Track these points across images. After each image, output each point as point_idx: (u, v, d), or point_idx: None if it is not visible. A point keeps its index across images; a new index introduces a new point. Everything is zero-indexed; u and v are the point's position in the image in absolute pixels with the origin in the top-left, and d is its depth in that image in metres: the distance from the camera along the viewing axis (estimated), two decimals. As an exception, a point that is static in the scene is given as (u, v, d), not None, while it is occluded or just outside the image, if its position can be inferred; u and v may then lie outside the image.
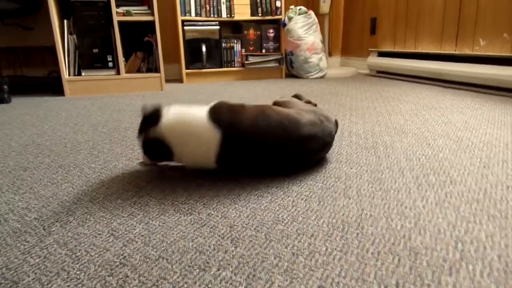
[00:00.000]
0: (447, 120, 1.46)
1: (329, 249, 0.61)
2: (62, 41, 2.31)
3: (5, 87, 2.15)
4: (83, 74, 2.38)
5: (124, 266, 0.58)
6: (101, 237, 0.66)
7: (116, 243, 0.64)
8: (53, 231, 0.69)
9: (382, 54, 3.00)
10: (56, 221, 0.72)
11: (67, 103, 2.07)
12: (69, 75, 2.36)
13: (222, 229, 0.68)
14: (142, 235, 0.67)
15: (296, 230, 0.67)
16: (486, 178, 0.89)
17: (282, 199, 0.80)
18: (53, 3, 2.20)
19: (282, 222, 0.70)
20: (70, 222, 0.72)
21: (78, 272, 0.56)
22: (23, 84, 2.69)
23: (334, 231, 0.67)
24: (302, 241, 0.64)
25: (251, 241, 0.64)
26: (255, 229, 0.68)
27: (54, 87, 2.44)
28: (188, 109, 0.89)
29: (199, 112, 0.88)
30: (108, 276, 0.55)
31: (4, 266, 0.58)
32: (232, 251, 0.61)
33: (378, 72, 3.04)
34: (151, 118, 0.89)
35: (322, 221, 0.70)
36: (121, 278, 0.55)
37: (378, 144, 1.17)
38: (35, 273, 0.56)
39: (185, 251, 0.62)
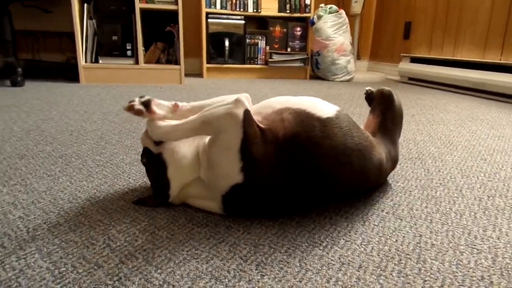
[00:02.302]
0: (499, 134, 1.29)
1: (386, 290, 0.46)
2: (81, 26, 2.22)
3: (19, 69, 2.07)
4: (100, 61, 2.28)
5: (118, 291, 0.44)
6: (94, 249, 0.53)
7: (112, 258, 0.51)
8: (38, 235, 0.56)
9: (415, 60, 2.82)
10: (44, 223, 0.60)
11: (81, 90, 1.96)
12: (85, 62, 2.27)
13: (245, 248, 0.54)
14: (145, 250, 0.53)
15: (339, 258, 0.53)
16: None
17: (317, 214, 0.66)
18: (74, -14, 2.11)
19: (320, 245, 0.56)
20: (60, 225, 0.59)
21: (57, 296, 0.43)
22: (40, 69, 2.61)
23: (389, 263, 0.52)
24: (348, 274, 0.49)
25: (281, 268, 0.50)
26: (286, 252, 0.54)
27: (70, 73, 2.35)
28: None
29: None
30: (95, 305, 0.42)
31: (-34, 280, 0.46)
32: (258, 281, 0.47)
33: (410, 79, 2.86)
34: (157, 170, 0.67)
35: (371, 248, 0.55)
36: (112, 310, 0.41)
37: (424, 155, 1.01)
38: (3, 293, 0.43)
39: (198, 276, 0.48)
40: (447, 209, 0.69)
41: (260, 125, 0.61)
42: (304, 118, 0.63)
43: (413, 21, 3.01)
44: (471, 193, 0.77)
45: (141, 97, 0.64)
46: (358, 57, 3.48)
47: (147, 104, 0.64)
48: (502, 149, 1.09)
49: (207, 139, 0.65)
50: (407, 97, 2.13)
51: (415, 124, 1.41)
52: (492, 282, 0.48)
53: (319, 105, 0.67)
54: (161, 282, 0.46)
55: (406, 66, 2.84)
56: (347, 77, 2.92)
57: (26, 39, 2.72)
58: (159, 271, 0.49)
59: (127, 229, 0.59)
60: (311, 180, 0.62)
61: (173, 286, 0.46)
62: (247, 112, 0.59)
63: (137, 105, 0.63)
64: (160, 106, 0.66)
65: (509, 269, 0.51)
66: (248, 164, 0.58)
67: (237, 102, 0.59)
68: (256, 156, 0.59)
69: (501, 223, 0.64)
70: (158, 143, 0.65)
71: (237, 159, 0.58)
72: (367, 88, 0.88)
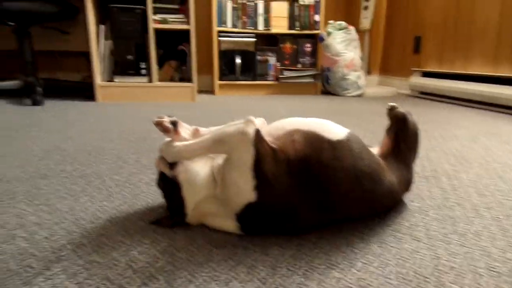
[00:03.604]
0: (514, 149, 1.28)
1: (405, 314, 0.46)
2: (97, 46, 2.29)
3: (39, 89, 2.13)
4: (115, 80, 2.34)
5: (142, 314, 0.46)
6: (117, 270, 0.55)
7: (135, 280, 0.52)
8: (63, 256, 0.58)
9: (426, 74, 2.82)
10: (68, 243, 0.62)
11: (97, 108, 2.01)
12: (101, 81, 2.33)
13: (263, 270, 0.55)
14: (166, 271, 0.55)
15: (357, 281, 0.53)
16: None
17: (333, 236, 0.66)
18: (90, 8, 2.19)
19: (337, 267, 0.57)
20: (84, 245, 0.61)
21: (84, 318, 0.45)
22: (58, 88, 2.69)
23: (407, 286, 0.52)
24: (367, 297, 0.50)
25: (300, 291, 0.51)
26: (303, 274, 0.55)
27: (87, 92, 2.42)
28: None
29: None
30: (121, 327, 0.43)
31: (-3, 301, 0.47)
32: (278, 304, 0.48)
33: (421, 93, 2.86)
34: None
35: (389, 271, 0.56)
36: (137, 333, 0.43)
37: (439, 173, 1.01)
38: (33, 315, 0.45)
39: (218, 298, 0.49)
40: (465, 230, 0.69)
41: (272, 145, 0.63)
42: (314, 140, 0.64)
43: (423, 35, 3.02)
44: (488, 213, 0.76)
45: (169, 116, 0.67)
46: (369, 72, 3.49)
47: (174, 124, 0.67)
48: (518, 166, 1.09)
49: (221, 159, 0.67)
50: (418, 112, 2.13)
51: (428, 140, 1.41)
52: (512, 306, 0.48)
53: (330, 127, 0.68)
54: (183, 305, 0.47)
55: (417, 80, 2.84)
56: (358, 92, 2.94)
57: (45, 59, 2.81)
58: (180, 293, 0.50)
59: (148, 250, 0.60)
60: (321, 201, 0.63)
61: (195, 308, 0.47)
62: (257, 131, 0.61)
63: (167, 123, 0.65)
64: (183, 129, 0.69)
65: (529, 293, 0.51)
66: (260, 182, 0.60)
67: (248, 121, 0.62)
68: (269, 175, 0.60)
69: (519, 244, 0.64)
70: (172, 165, 0.67)
71: (249, 177, 0.60)
72: (391, 104, 0.85)
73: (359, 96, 2.95)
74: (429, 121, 1.83)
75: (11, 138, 1.32)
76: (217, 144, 0.63)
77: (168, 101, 2.40)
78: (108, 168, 1.01)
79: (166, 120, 0.66)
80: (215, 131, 0.65)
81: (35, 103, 2.08)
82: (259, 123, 0.69)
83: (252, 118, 0.63)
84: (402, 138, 0.79)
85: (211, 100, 2.55)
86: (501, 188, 0.91)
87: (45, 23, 2.46)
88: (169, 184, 0.68)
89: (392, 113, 0.83)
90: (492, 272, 0.56)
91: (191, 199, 0.66)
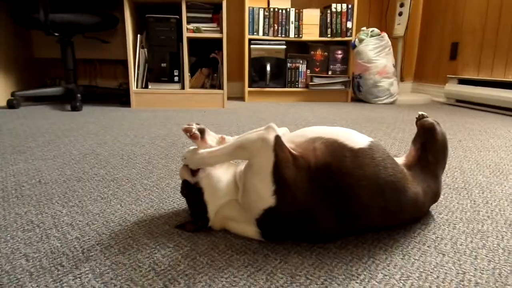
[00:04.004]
0: (556, 162, 1.21)
1: (424, 329, 0.45)
2: (134, 55, 2.39)
3: (79, 95, 2.25)
4: (150, 87, 2.43)
5: (161, 315, 0.47)
6: (141, 271, 0.57)
7: (157, 282, 0.54)
8: (91, 256, 0.61)
9: (462, 82, 2.71)
10: (97, 244, 0.65)
11: (131, 114, 2.10)
12: (136, 87, 2.42)
13: (282, 278, 0.56)
14: (187, 275, 0.56)
15: (376, 293, 0.52)
16: None
17: (354, 246, 0.66)
18: (129, 19, 2.29)
19: (357, 278, 0.56)
20: (111, 247, 0.64)
21: (108, 316, 0.47)
22: (96, 94, 2.83)
23: (428, 301, 0.51)
24: (385, 310, 0.49)
25: (317, 300, 0.51)
26: (322, 283, 0.55)
27: (122, 98, 2.52)
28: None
29: None
30: (141, 326, 0.45)
31: (31, 296, 0.51)
32: (294, 313, 0.48)
33: (458, 101, 2.75)
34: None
35: (410, 284, 0.54)
36: (156, 332, 0.44)
37: (471, 185, 0.97)
38: (61, 310, 0.48)
39: (235, 303, 0.50)
40: (495, 245, 0.66)
41: (293, 151, 0.64)
42: (335, 148, 0.64)
43: (461, 41, 2.91)
44: (521, 228, 0.73)
45: (197, 124, 0.70)
46: (402, 79, 3.41)
47: (202, 132, 0.69)
48: (560, 180, 1.02)
49: (243, 166, 0.68)
50: (453, 120, 2.05)
51: (462, 150, 1.35)
52: (542, 328, 0.46)
53: (352, 135, 0.68)
54: (201, 308, 0.49)
55: (453, 88, 2.74)
56: (390, 100, 2.87)
57: (85, 67, 2.96)
58: (199, 296, 0.51)
59: (171, 253, 0.62)
60: (342, 209, 0.62)
61: (212, 312, 0.48)
62: (278, 137, 0.62)
63: (195, 130, 0.68)
64: (210, 137, 0.71)
65: (562, 315, 0.48)
66: (280, 188, 0.61)
67: (269, 128, 0.63)
68: (288, 180, 0.61)
69: (555, 262, 0.61)
70: (194, 172, 0.69)
71: (269, 182, 0.61)
72: (420, 113, 0.84)
73: (391, 103, 2.89)
74: (463, 130, 1.76)
75: (52, 142, 1.40)
76: (239, 150, 0.65)
77: (199, 107, 2.46)
78: (138, 172, 1.06)
79: (194, 128, 0.69)
80: (237, 138, 0.67)
81: (75, 108, 2.20)
82: (282, 131, 0.70)
83: (273, 124, 0.64)
84: (430, 149, 0.77)
85: (241, 106, 2.58)
86: (539, 202, 0.86)
87: (87, 33, 2.60)
88: (192, 191, 0.70)
89: (420, 122, 0.81)
90: (522, 291, 0.53)
91: (213, 203, 0.68)
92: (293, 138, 0.69)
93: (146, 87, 2.44)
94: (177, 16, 2.35)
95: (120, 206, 0.82)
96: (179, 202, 0.84)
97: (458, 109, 2.58)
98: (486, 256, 0.62)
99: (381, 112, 2.37)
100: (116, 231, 0.70)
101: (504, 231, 0.71)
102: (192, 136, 0.68)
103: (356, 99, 3.08)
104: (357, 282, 0.55)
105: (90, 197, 0.87)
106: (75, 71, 2.43)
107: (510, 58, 2.43)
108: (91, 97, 2.75)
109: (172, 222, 0.74)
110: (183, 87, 2.45)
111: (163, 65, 2.41)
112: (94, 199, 0.85)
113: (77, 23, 2.28)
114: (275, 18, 2.85)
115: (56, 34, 2.23)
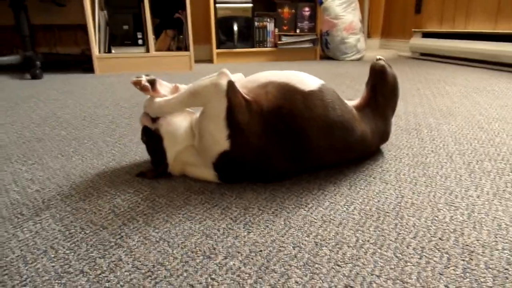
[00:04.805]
0: (503, 103, 1.29)
1: (360, 241, 0.50)
2: (93, 18, 2.29)
3: (38, 63, 2.16)
4: (113, 51, 2.35)
5: (119, 247, 0.50)
6: (101, 214, 0.59)
7: (116, 221, 0.57)
8: (52, 204, 0.63)
9: (427, 35, 2.77)
10: (57, 194, 0.66)
11: (95, 80, 2.04)
12: (99, 52, 2.34)
13: (235, 211, 0.59)
14: (145, 214, 0.59)
15: (322, 217, 0.57)
16: (556, 167, 0.74)
17: (307, 181, 0.70)
18: (84, -22, 2.17)
19: (306, 206, 0.60)
20: (72, 196, 0.66)
21: (67, 252, 0.50)
22: (57, 62, 2.71)
23: (367, 220, 0.56)
24: (328, 229, 0.54)
25: (267, 226, 0.55)
26: (273, 213, 0.59)
27: (85, 65, 2.44)
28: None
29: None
30: (100, 258, 0.48)
31: (-10, 240, 0.52)
32: (244, 237, 0.52)
33: (422, 54, 2.82)
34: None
35: (353, 208, 0.59)
36: (113, 261, 0.47)
37: (421, 126, 1.03)
38: (22, 250, 0.50)
39: (190, 234, 0.53)
40: (434, 173, 0.72)
41: (246, 96, 0.66)
42: (286, 91, 0.67)
43: (425, -6, 2.94)
44: (460, 159, 0.79)
45: (147, 75, 0.70)
46: (369, 35, 3.43)
47: (152, 83, 0.70)
48: (502, 118, 1.10)
49: (199, 113, 0.70)
50: (416, 72, 2.11)
51: (419, 97, 1.41)
52: (463, 233, 0.52)
53: (303, 78, 0.70)
54: (157, 239, 0.52)
55: (417, 42, 2.79)
56: (357, 56, 2.90)
57: (44, 34, 2.82)
58: (156, 230, 0.54)
59: (131, 198, 0.65)
60: (294, 149, 0.66)
61: (168, 242, 0.51)
62: (231, 83, 0.64)
63: (144, 82, 0.68)
64: (163, 87, 0.72)
65: (482, 223, 0.54)
66: (234, 132, 0.63)
67: (221, 74, 0.64)
68: (242, 124, 0.63)
69: (484, 183, 0.67)
70: (155, 120, 0.70)
71: (223, 126, 0.63)
72: (378, 57, 0.86)
73: (359, 60, 2.92)
74: (424, 80, 1.82)
75: (10, 108, 1.36)
76: (193, 97, 0.66)
77: (165, 70, 2.42)
78: (101, 131, 1.06)
79: (144, 79, 0.69)
80: (191, 85, 0.68)
81: (34, 77, 2.12)
82: (238, 77, 0.72)
83: (225, 70, 0.65)
84: (380, 91, 0.80)
85: (209, 68, 2.55)
86: (479, 137, 0.93)
87: (40, -4, 2.46)
88: (151, 137, 0.71)
89: (371, 65, 0.84)
90: (451, 206, 0.59)
91: (172, 149, 0.70)
92: (246, 83, 0.71)
93: (110, 51, 2.36)
94: (136, -25, 2.25)
95: (81, 161, 0.83)
96: (141, 155, 0.86)
97: (422, 62, 2.65)
98: (424, 182, 0.68)
99: (348, 68, 2.40)
100: (77, 182, 0.72)
101: (444, 162, 0.77)
102: (143, 88, 0.69)
103: (325, 57, 3.09)
104: (305, 210, 0.59)
105: (51, 155, 0.87)
106: (33, 38, 2.31)
107: (470, 9, 2.48)
108: (52, 65, 2.64)
109: (133, 172, 0.76)
110: (148, 50, 2.39)
111: (125, 27, 2.33)
112: (55, 157, 0.86)
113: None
114: (240, -25, 2.76)
115: (7, -3, 2.10)
